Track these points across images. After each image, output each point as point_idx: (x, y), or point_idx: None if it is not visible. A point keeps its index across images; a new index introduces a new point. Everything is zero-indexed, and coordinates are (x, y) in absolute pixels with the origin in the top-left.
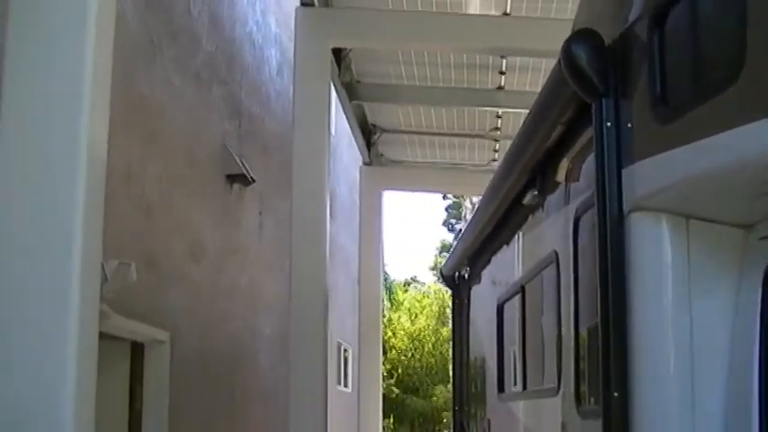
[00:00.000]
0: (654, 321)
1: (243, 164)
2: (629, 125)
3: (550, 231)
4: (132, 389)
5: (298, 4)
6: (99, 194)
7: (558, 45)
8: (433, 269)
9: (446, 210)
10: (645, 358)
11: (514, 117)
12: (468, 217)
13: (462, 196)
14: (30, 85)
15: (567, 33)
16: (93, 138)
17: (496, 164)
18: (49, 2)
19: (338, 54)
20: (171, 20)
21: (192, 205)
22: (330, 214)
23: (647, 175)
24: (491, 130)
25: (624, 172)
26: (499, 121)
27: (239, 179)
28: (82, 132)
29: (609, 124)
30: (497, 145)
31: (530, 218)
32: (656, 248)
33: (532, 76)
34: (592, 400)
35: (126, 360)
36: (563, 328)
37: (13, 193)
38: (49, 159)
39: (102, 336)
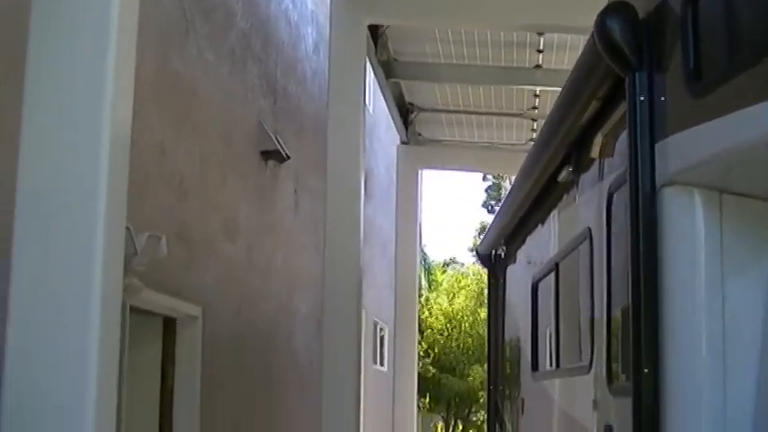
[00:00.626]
0: (686, 297)
1: (278, 140)
2: (663, 99)
3: (584, 208)
4: (164, 366)
5: None
6: (123, 169)
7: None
8: (472, 250)
9: (486, 191)
10: (676, 334)
11: (552, 96)
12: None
13: (502, 177)
14: (53, 61)
15: None
16: (117, 113)
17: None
18: None
19: (375, 32)
20: None
21: (226, 182)
22: (367, 194)
23: (680, 150)
24: (529, 110)
25: (657, 146)
26: (537, 99)
27: (274, 156)
28: (105, 108)
29: (642, 98)
30: (535, 124)
31: (564, 195)
32: (688, 223)
33: (570, 54)
34: (623, 377)
35: (158, 336)
36: (596, 306)
37: (35, 168)
38: (72, 135)
39: (134, 310)
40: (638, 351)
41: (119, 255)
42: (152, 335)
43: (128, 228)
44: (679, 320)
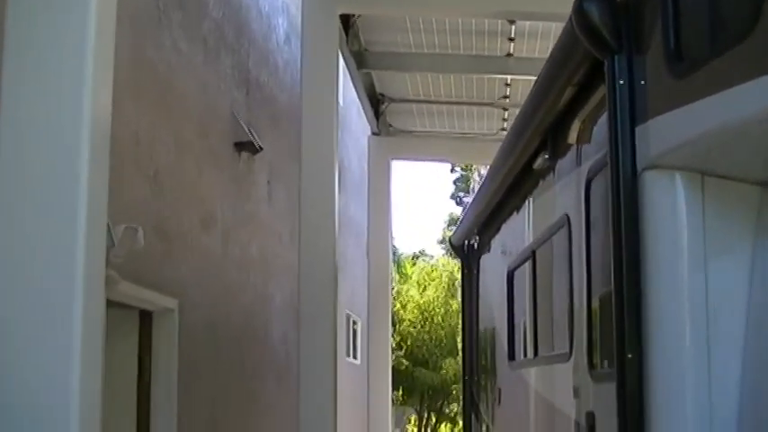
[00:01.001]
0: (669, 281)
1: (251, 132)
2: (643, 82)
3: (562, 195)
4: (141, 359)
5: None
6: (103, 159)
7: (567, 8)
8: (441, 242)
9: (454, 183)
10: (659, 319)
11: (524, 85)
12: (476, 189)
13: (470, 168)
14: (31, 52)
15: None
16: (97, 102)
17: (505, 133)
18: None
19: (346, 22)
20: None
21: (201, 173)
22: (340, 185)
23: (661, 132)
24: (500, 99)
25: (638, 130)
26: (508, 89)
27: (247, 147)
28: (85, 96)
29: (622, 81)
30: (506, 114)
31: (540, 182)
32: (670, 206)
33: (542, 42)
34: (605, 363)
35: (134, 329)
36: (575, 292)
37: (15, 161)
38: (52, 125)
39: (110, 303)
40: (621, 336)
41: (101, 248)
42: (128, 328)
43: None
44: (662, 305)
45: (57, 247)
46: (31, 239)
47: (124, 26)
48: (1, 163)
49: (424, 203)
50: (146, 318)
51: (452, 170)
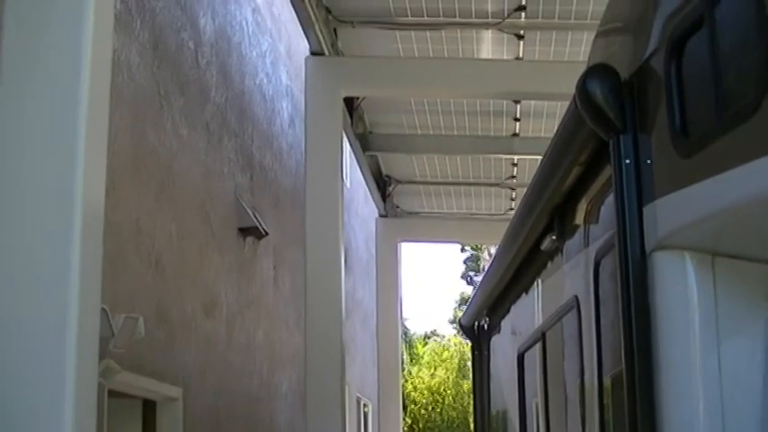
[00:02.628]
0: (681, 364)
1: (256, 217)
2: (649, 161)
3: (570, 276)
4: None
5: (308, 53)
6: (97, 246)
7: (571, 88)
8: (452, 322)
9: (464, 262)
10: (673, 402)
11: (530, 164)
12: (486, 269)
13: (480, 248)
14: (22, 133)
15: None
16: (90, 185)
17: (513, 212)
18: (43, 44)
19: (350, 105)
20: (179, 71)
21: (204, 259)
22: (347, 268)
23: (669, 212)
24: (507, 179)
25: (645, 210)
26: (515, 168)
27: (252, 232)
28: (77, 180)
29: (628, 161)
30: (514, 193)
31: (548, 263)
32: (680, 288)
33: (547, 121)
34: None
35: (138, 419)
36: (586, 375)
37: (7, 244)
38: (44, 208)
39: (112, 393)
40: (633, 420)
41: (94, 338)
42: (131, 418)
43: (104, 309)
44: (675, 387)
45: (48, 335)
46: (21, 326)
47: (124, 111)
48: None
49: (435, 283)
50: (149, 407)
51: (462, 249)
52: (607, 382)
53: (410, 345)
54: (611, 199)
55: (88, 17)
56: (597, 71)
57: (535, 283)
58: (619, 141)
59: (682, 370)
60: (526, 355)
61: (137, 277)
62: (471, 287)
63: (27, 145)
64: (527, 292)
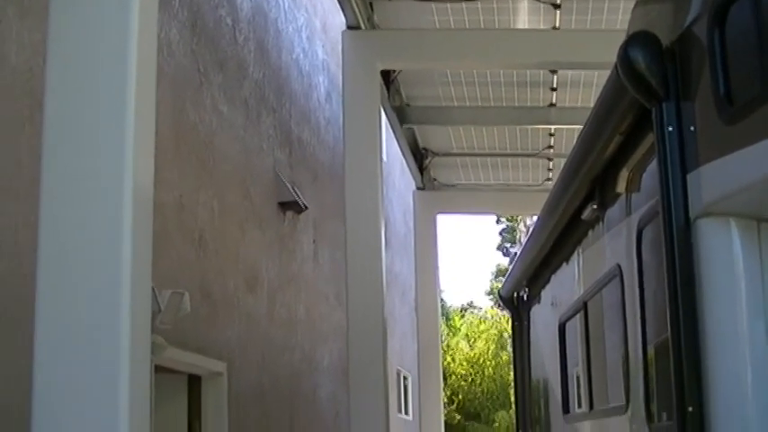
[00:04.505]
0: (728, 331)
1: (295, 191)
2: (692, 128)
3: (612, 245)
4: (191, 423)
5: (344, 28)
6: (147, 225)
7: (609, 57)
8: (489, 294)
9: (500, 234)
10: (720, 370)
11: (567, 134)
12: (523, 240)
13: (516, 219)
14: (73, 119)
15: (618, 44)
16: (139, 167)
17: (550, 183)
18: (89, 32)
19: (387, 78)
20: (217, 48)
21: (246, 234)
22: (385, 241)
23: (713, 179)
24: (544, 149)
25: (689, 177)
26: (552, 139)
27: (292, 207)
28: (127, 163)
29: (671, 128)
30: (551, 164)
31: (590, 233)
32: (726, 254)
33: (584, 91)
34: (664, 415)
35: (183, 394)
36: (630, 344)
37: (60, 228)
38: (95, 191)
39: (159, 369)
40: (680, 389)
41: (146, 315)
42: (177, 393)
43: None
44: (722, 355)
45: (102, 314)
46: (75, 307)
47: (165, 89)
48: (44, 232)
49: (470, 255)
50: (194, 382)
51: (498, 221)
52: (652, 350)
53: (447, 317)
54: (653, 167)
55: (134, 3)
56: (639, 39)
57: (576, 253)
58: (662, 109)
59: (729, 337)
60: (567, 325)
61: (180, 254)
62: (507, 259)
63: (77, 129)
64: (567, 262)
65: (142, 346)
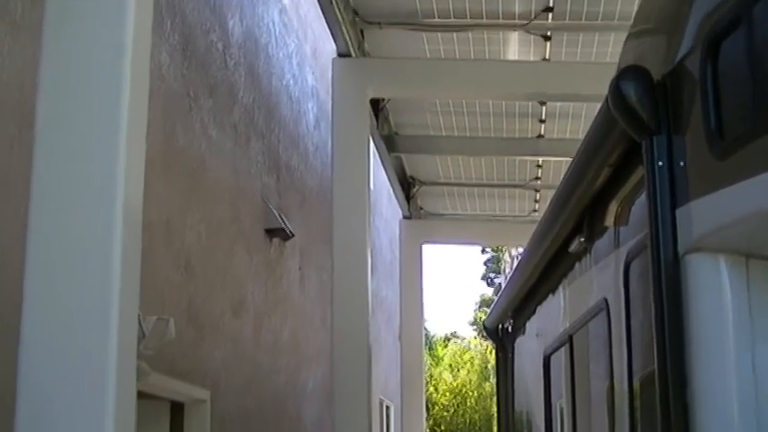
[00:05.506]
0: (715, 368)
1: (282, 218)
2: (682, 163)
3: (599, 278)
4: None
5: (334, 55)
6: (135, 251)
7: (598, 89)
8: (473, 324)
9: (485, 264)
10: (707, 407)
11: (555, 166)
12: (508, 270)
13: (501, 249)
14: (64, 140)
15: (608, 77)
16: (129, 192)
17: (537, 214)
18: (82, 52)
19: (376, 106)
20: (208, 72)
21: (233, 259)
22: (372, 268)
23: (703, 215)
24: (531, 180)
25: (678, 212)
26: (540, 170)
27: (279, 233)
28: (118, 188)
29: (661, 163)
30: (538, 195)
31: (576, 265)
32: (714, 290)
33: (572, 123)
34: None
35: (166, 420)
36: (615, 378)
37: (48, 250)
38: (84, 214)
39: (141, 395)
40: (666, 424)
41: (132, 342)
42: (159, 419)
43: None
44: (709, 391)
45: (88, 341)
46: (61, 333)
47: (155, 113)
48: (31, 254)
49: (454, 284)
50: (177, 408)
51: (483, 251)
52: (638, 385)
53: (430, 346)
54: (642, 201)
55: (128, 24)
56: (630, 72)
57: (562, 286)
58: (652, 143)
59: (716, 374)
60: (552, 358)
61: (167, 277)
62: (492, 289)
63: (68, 150)
64: (553, 295)
65: (128, 373)
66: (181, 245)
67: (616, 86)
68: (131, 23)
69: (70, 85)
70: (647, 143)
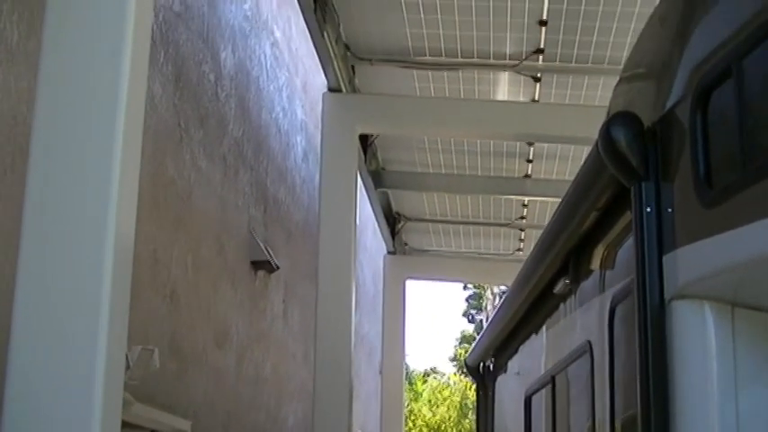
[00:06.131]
0: (698, 415)
1: (268, 251)
2: (670, 210)
3: (583, 321)
4: None
5: (325, 90)
6: (125, 282)
7: (586, 132)
8: (453, 360)
9: (466, 300)
10: None
11: (541, 206)
12: (490, 308)
13: (483, 287)
14: (57, 169)
15: (596, 120)
16: (121, 222)
17: (521, 253)
18: (79, 86)
19: (364, 141)
20: (199, 103)
21: (218, 291)
22: (355, 303)
23: (689, 262)
24: (517, 219)
25: (665, 258)
26: (525, 209)
27: (264, 266)
28: (110, 217)
29: (649, 209)
30: (523, 234)
31: (561, 307)
32: (699, 337)
33: (559, 164)
34: None
35: None
36: (597, 421)
37: (39, 279)
38: (76, 244)
39: (124, 424)
40: None
41: (119, 373)
42: None
43: None
44: None
45: (76, 369)
46: (49, 363)
47: (146, 143)
48: (23, 283)
49: (435, 320)
50: None
51: (465, 287)
52: (619, 428)
53: (410, 381)
54: (629, 245)
55: (125, 55)
56: (621, 117)
57: (546, 326)
58: (641, 188)
59: (699, 421)
60: (534, 398)
61: (152, 308)
62: (473, 325)
63: (61, 177)
64: (537, 335)
65: (114, 404)
66: (167, 275)
67: (606, 131)
68: (128, 54)
69: (65, 115)
70: (636, 188)
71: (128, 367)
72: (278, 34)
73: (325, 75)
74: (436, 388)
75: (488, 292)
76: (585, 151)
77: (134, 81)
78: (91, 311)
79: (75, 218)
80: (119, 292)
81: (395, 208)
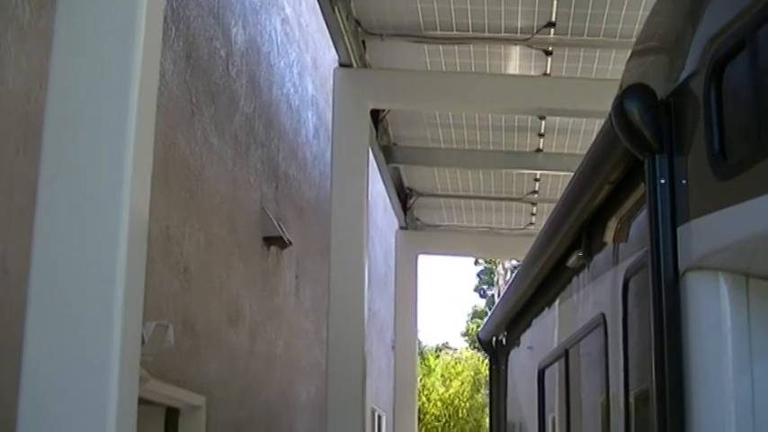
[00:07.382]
0: (713, 385)
1: (280, 227)
2: (684, 182)
3: (597, 293)
4: None
5: (335, 65)
6: (140, 260)
7: (597, 105)
8: (464, 335)
9: (478, 275)
10: (704, 424)
11: (553, 180)
12: (501, 282)
13: (495, 262)
14: (70, 147)
15: (608, 94)
16: (135, 201)
17: (533, 228)
18: (92, 66)
19: (375, 117)
20: (210, 80)
21: (230, 268)
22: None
23: (704, 234)
24: (528, 194)
25: (679, 230)
26: (537, 184)
27: (276, 242)
28: (124, 196)
29: (663, 181)
30: (534, 208)
31: (574, 280)
32: (713, 309)
33: (571, 138)
34: None
35: (160, 426)
36: (611, 393)
37: (54, 257)
38: (90, 223)
39: (139, 401)
40: None
41: (136, 349)
42: (155, 425)
43: None
44: (707, 409)
45: (92, 348)
46: (65, 339)
47: (158, 119)
48: (36, 260)
49: (447, 295)
50: (172, 414)
51: (476, 262)
52: (633, 401)
53: (422, 357)
54: (642, 218)
55: (138, 33)
56: (634, 91)
57: (559, 300)
58: (654, 161)
59: (713, 391)
60: (547, 372)
61: (165, 285)
62: (484, 300)
63: (75, 155)
64: (550, 308)
65: (130, 380)
66: (180, 253)
67: (620, 104)
68: (141, 33)
69: (78, 92)
70: (650, 161)
71: (142, 343)
72: (288, 10)
73: (336, 50)
74: (449, 363)
75: (500, 267)
76: (597, 125)
77: (147, 58)
78: (106, 290)
79: (89, 195)
80: (134, 268)
81: (406, 183)
